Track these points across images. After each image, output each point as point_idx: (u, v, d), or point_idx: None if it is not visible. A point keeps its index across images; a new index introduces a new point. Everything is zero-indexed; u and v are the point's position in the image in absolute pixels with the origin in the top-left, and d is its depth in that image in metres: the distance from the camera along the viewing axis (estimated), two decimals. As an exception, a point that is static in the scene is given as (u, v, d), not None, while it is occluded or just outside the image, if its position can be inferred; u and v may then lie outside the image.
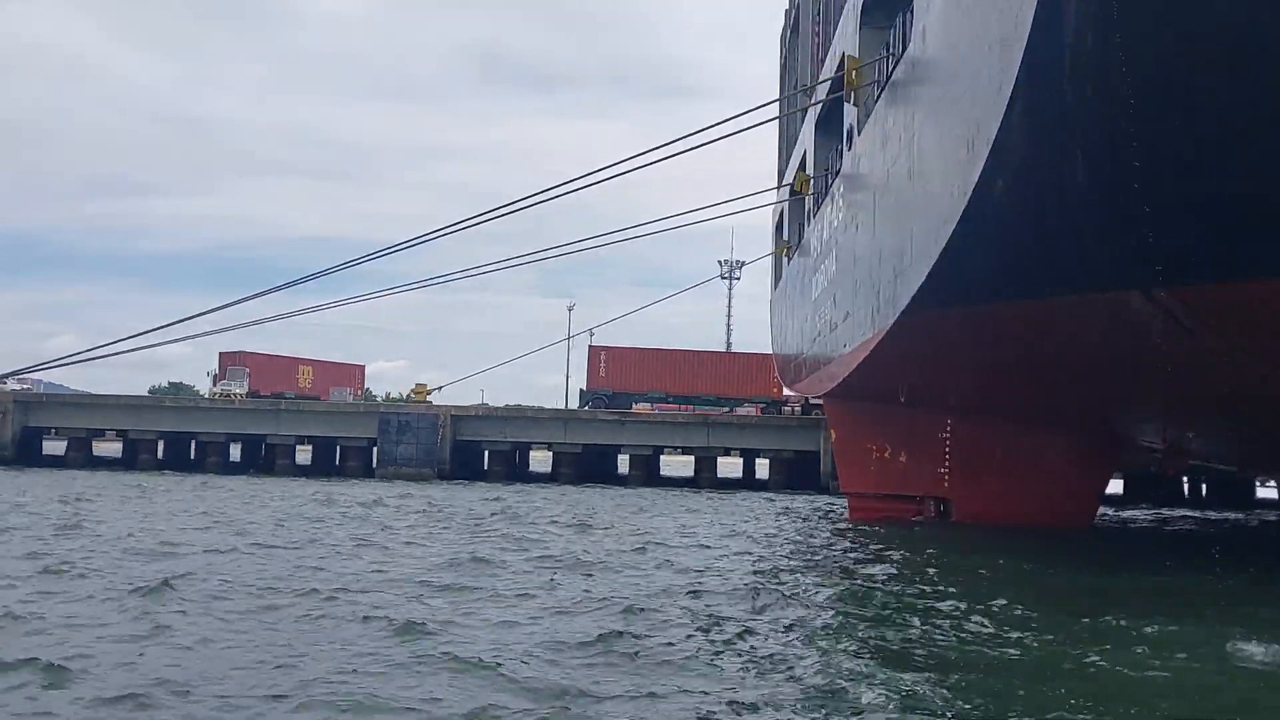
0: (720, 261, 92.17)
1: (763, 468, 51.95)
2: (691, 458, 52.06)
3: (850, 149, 23.96)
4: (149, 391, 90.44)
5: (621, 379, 57.67)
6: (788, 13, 48.51)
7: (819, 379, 29.68)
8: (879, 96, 20.64)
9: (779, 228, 44.57)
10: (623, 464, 54.75)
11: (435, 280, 27.10)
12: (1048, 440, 25.40)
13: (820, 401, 55.29)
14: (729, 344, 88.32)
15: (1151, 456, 29.54)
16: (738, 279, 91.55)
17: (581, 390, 59.61)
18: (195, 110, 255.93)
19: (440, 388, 51.62)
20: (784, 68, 48.87)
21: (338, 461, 55.71)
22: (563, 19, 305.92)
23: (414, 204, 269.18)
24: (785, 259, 39.53)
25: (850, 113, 24.13)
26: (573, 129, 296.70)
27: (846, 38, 23.89)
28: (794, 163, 39.41)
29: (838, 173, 26.63)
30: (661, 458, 53.60)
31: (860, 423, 27.43)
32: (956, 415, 25.87)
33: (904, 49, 18.58)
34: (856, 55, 22.32)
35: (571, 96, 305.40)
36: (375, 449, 51.21)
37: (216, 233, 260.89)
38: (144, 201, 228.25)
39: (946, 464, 26.48)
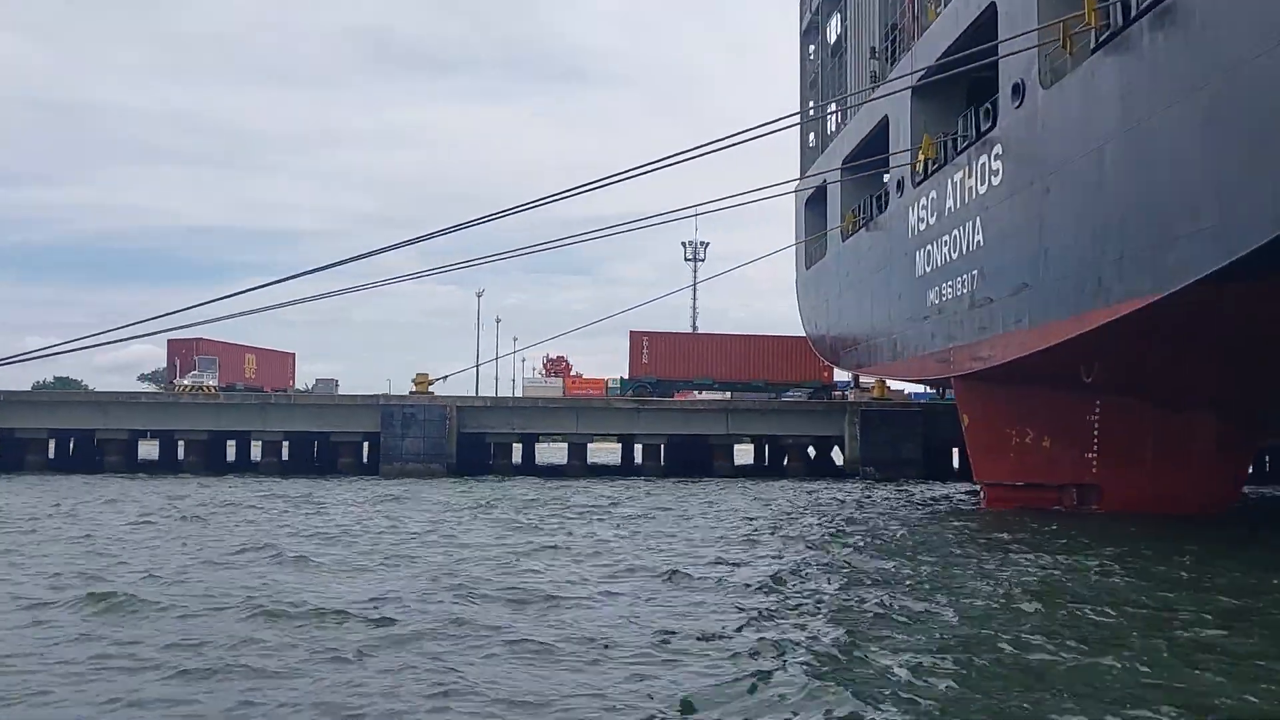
0: (685, 243, 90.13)
1: (786, 454, 49.84)
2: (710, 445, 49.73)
3: (1020, 105, 21.83)
4: (33, 387, 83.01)
5: (665, 366, 54.95)
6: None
7: (934, 360, 27.63)
8: (1097, 45, 18.53)
9: (814, 209, 42.68)
10: (637, 454, 52.39)
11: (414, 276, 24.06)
12: (1198, 421, 23.87)
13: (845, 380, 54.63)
14: (694, 326, 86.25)
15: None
16: (702, 260, 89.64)
17: (623, 378, 56.64)
18: (71, 96, 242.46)
19: (445, 377, 48.20)
20: (808, 48, 46.89)
21: (315, 458, 52.33)
22: (453, 1, 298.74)
23: (305, 191, 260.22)
24: (840, 237, 37.41)
25: (1015, 68, 22.00)
26: (469, 113, 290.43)
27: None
28: (843, 143, 37.38)
29: (977, 137, 24.57)
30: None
31: (999, 407, 25.51)
32: (1106, 397, 24.16)
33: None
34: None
35: (466, 81, 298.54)
36: (378, 443, 47.76)
37: (93, 223, 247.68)
38: (14, 192, 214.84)
39: (1095, 448, 24.76)
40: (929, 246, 27.84)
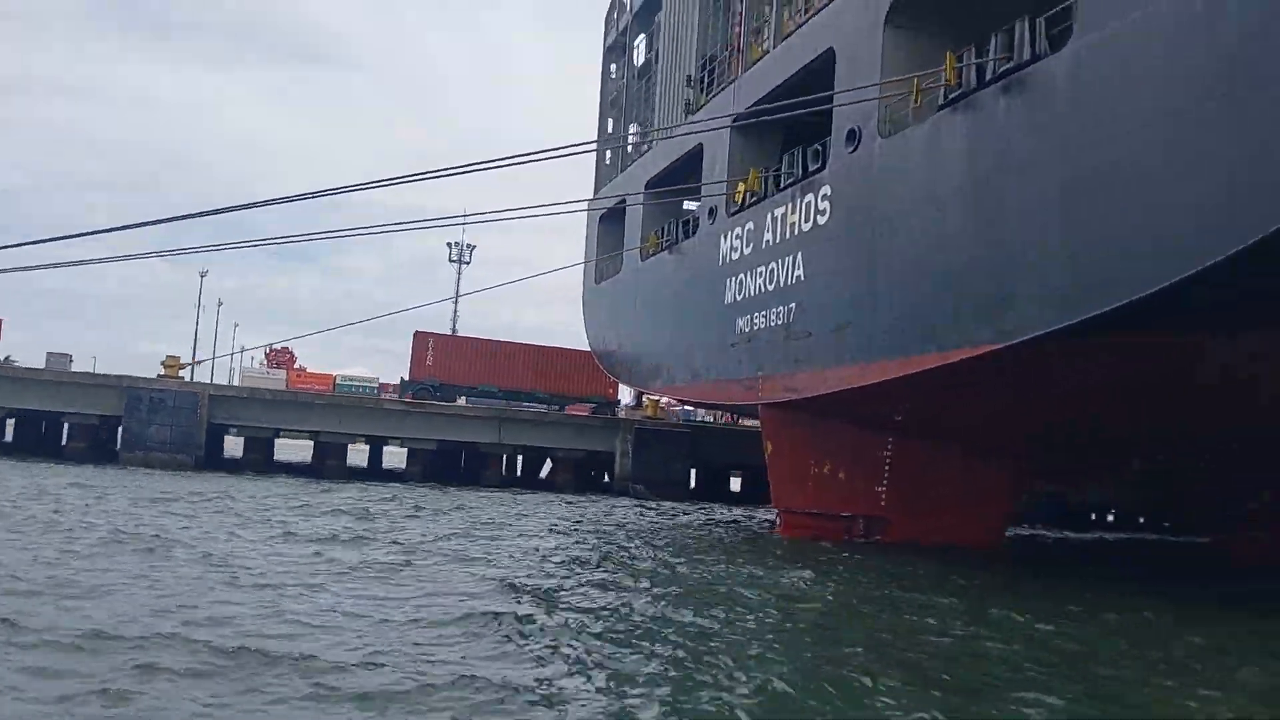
0: (450, 244, 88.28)
1: (558, 467, 49.58)
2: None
3: (855, 151, 22.73)
4: None
5: (450, 370, 52.95)
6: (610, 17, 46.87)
7: (740, 387, 28.25)
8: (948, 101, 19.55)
9: (609, 226, 42.92)
10: (398, 457, 50.60)
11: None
12: (982, 463, 25.65)
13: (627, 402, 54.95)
14: (454, 329, 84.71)
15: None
16: (467, 263, 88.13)
17: (403, 379, 54.06)
18: None
19: (197, 362, 44.62)
20: (610, 65, 47.16)
21: (41, 439, 47.34)
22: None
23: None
24: (639, 257, 37.71)
25: (850, 114, 22.89)
26: (191, 80, 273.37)
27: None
28: (649, 165, 37.81)
29: (804, 176, 25.40)
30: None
31: (803, 438, 26.35)
32: (900, 434, 25.53)
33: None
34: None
35: (190, 45, 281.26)
36: (117, 429, 43.75)
37: None
38: None
39: (885, 483, 26.08)
40: (741, 276, 28.46)
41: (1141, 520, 43.87)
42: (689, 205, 40.10)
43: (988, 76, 18.48)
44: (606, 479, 49.38)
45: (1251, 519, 26.39)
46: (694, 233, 33.82)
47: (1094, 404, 18.95)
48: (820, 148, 24.79)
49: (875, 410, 23.10)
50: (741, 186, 28.69)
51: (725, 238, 29.91)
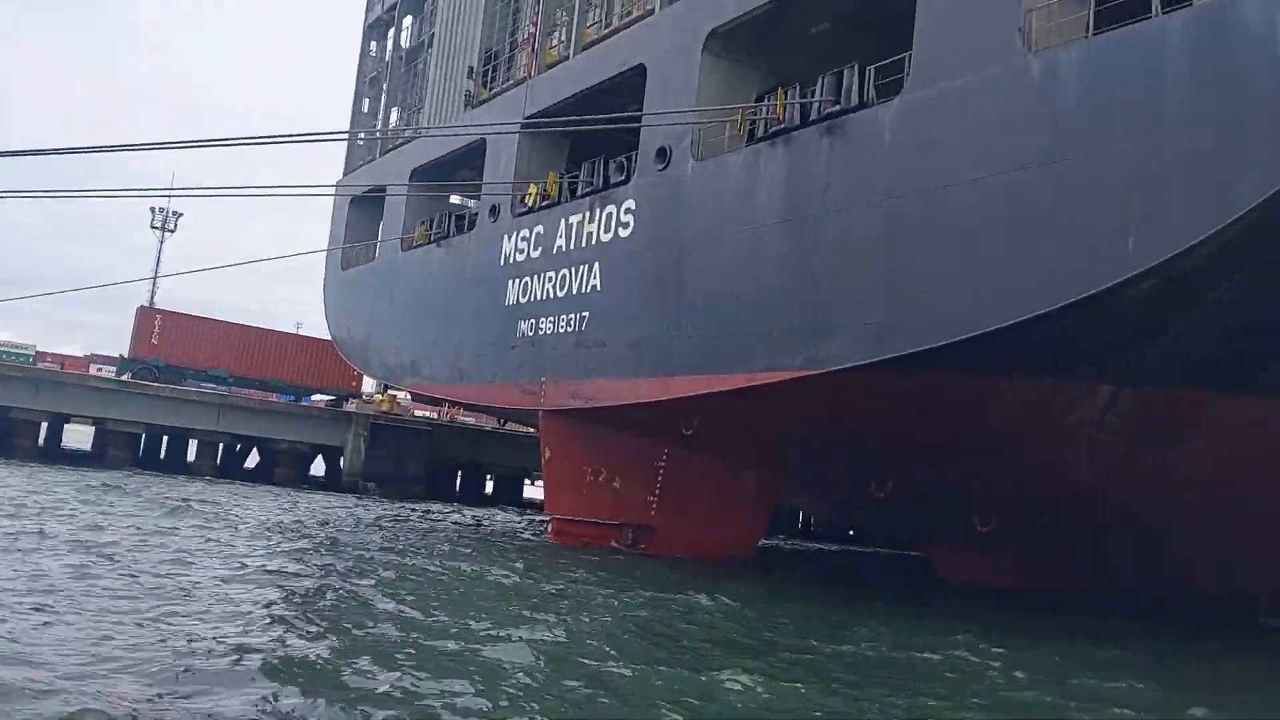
0: (153, 209, 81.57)
1: (280, 459, 46.91)
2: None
3: (665, 169, 23.25)
4: None
5: (179, 351, 48.15)
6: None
7: (518, 391, 28.05)
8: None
9: (362, 211, 41.43)
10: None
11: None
12: (744, 473, 26.82)
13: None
14: (152, 300, 78.39)
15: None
16: (171, 231, 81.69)
17: (122, 356, 48.56)
18: None
19: None
20: (371, 43, 45.43)
21: None
22: None
23: None
24: (399, 247, 36.56)
25: (659, 132, 23.42)
26: None
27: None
28: (416, 153, 36.87)
29: (605, 186, 25.67)
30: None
31: (583, 445, 26.49)
32: (676, 445, 26.21)
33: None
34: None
35: None
36: None
37: None
38: None
39: (657, 492, 26.76)
40: (526, 279, 28.28)
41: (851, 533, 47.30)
42: (455, 199, 39.46)
43: (812, 116, 19.47)
44: (332, 475, 47.43)
45: (963, 539, 28.98)
46: (470, 229, 33.25)
47: (882, 429, 20.36)
48: (625, 161, 25.10)
49: (669, 424, 23.62)
50: (533, 189, 28.52)
51: (509, 238, 29.59)
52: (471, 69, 34.55)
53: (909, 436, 19.91)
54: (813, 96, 19.57)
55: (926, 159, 16.97)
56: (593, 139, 27.47)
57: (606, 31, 27.96)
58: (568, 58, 29.34)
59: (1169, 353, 15.74)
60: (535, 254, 28.20)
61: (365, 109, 45.50)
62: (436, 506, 40.76)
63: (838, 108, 18.94)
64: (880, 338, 17.34)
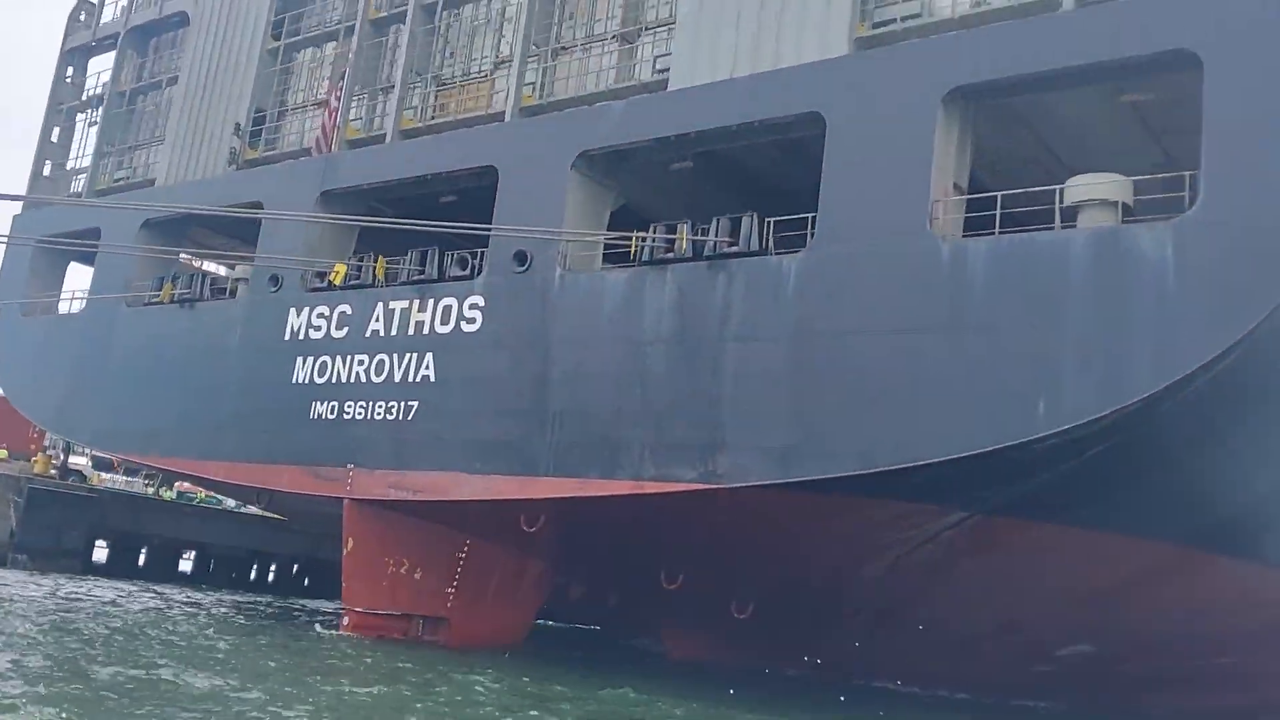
0: None
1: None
2: None
3: (526, 272, 24.22)
4: None
5: None
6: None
7: (310, 476, 26.99)
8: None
9: (53, 256, 37.38)
10: None
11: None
12: (530, 564, 27.94)
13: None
14: None
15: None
16: None
17: None
18: None
19: None
20: (69, 68, 41.30)
21: None
22: None
23: None
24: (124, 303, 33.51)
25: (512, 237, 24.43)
26: None
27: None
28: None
29: (440, 278, 25.97)
30: None
31: (387, 535, 26.04)
32: (476, 537, 26.80)
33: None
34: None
35: None
36: None
37: None
38: None
39: (455, 583, 27.08)
40: (325, 358, 27.41)
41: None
42: (183, 257, 36.75)
43: (706, 252, 21.61)
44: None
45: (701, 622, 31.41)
46: (229, 294, 31.48)
47: (744, 538, 22.53)
48: (471, 256, 25.59)
49: (508, 521, 24.09)
50: (341, 268, 27.90)
51: (297, 313, 28.51)
52: (239, 125, 32.96)
53: (767, 544, 22.26)
54: (705, 235, 21.71)
55: (831, 308, 19.67)
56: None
57: (434, 122, 28.41)
58: (383, 136, 29.30)
59: (1019, 490, 19.42)
60: (338, 334, 27.49)
61: (55, 139, 41.05)
62: (106, 584, 36.88)
63: (735, 249, 21.23)
64: (785, 460, 19.59)
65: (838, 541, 21.72)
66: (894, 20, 21.12)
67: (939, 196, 19.11)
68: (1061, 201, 18.42)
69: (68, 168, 40.94)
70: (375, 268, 27.11)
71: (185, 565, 44.02)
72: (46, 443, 45.25)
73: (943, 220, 19.09)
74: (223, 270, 34.48)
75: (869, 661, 26.37)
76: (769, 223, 21.12)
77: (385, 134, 29.04)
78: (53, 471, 43.42)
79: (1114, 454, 17.91)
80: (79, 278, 40.40)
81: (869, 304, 19.23)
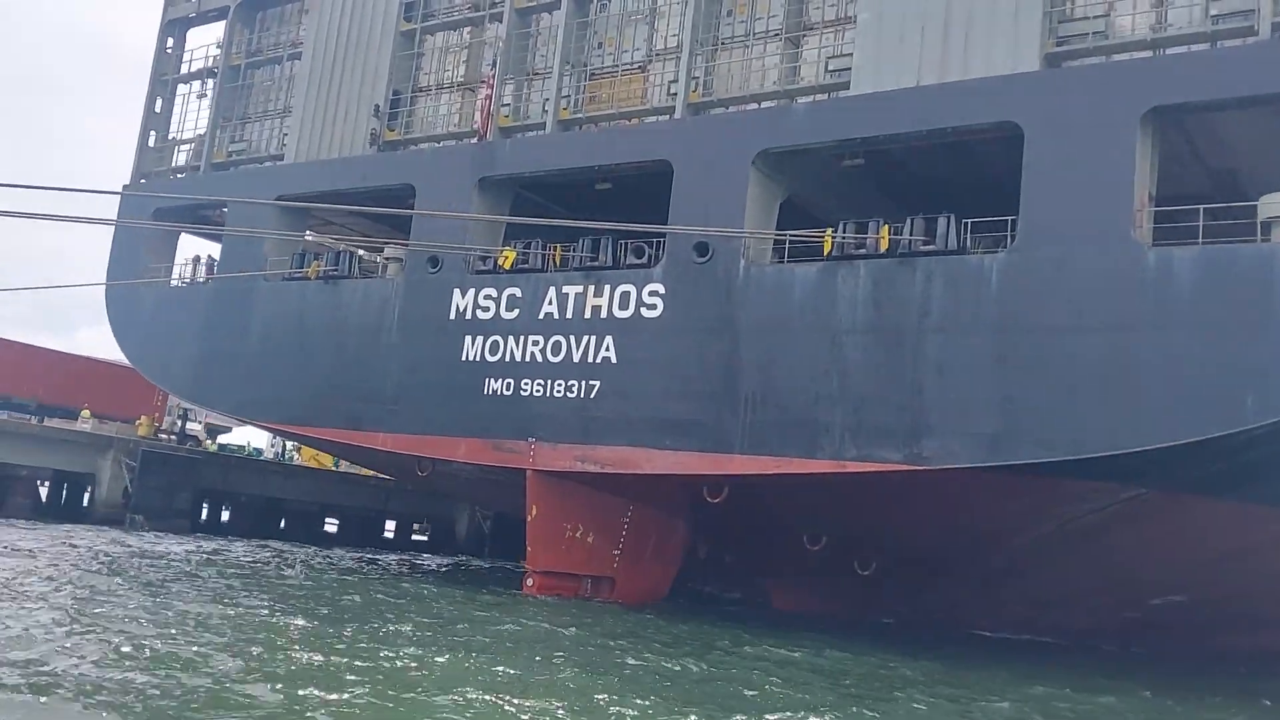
0: None
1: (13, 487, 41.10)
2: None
3: (708, 261, 25.92)
4: None
5: None
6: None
7: (490, 448, 28.68)
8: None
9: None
10: None
11: None
12: (677, 525, 29.95)
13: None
14: None
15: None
16: None
17: None
18: None
19: None
20: (168, 40, 41.87)
21: None
22: None
23: None
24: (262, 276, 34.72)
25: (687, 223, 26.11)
26: None
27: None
28: (290, 177, 35.57)
29: (614, 265, 27.60)
30: None
31: (565, 504, 27.92)
32: (639, 502, 28.76)
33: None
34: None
35: None
36: None
37: None
38: None
39: (620, 546, 29.10)
40: (497, 338, 29.01)
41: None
42: (310, 235, 38.00)
43: (901, 250, 23.48)
44: (72, 506, 42.46)
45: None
46: (382, 273, 32.94)
47: (924, 516, 24.67)
48: (647, 245, 27.21)
49: (691, 494, 26.03)
50: (510, 254, 29.43)
51: (462, 294, 30.02)
52: (378, 107, 34.10)
53: (942, 515, 24.41)
54: (902, 233, 23.57)
55: (1036, 305, 21.66)
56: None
57: (594, 114, 29.80)
58: (534, 125, 30.71)
59: (1206, 472, 21.68)
60: (509, 315, 29.08)
61: (159, 109, 41.78)
62: (240, 545, 38.58)
63: (932, 247, 23.13)
64: (996, 444, 21.68)
65: (1016, 514, 23.91)
66: (1084, 35, 22.89)
67: (1139, 206, 21.08)
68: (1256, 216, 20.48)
69: (169, 138, 41.85)
70: (553, 254, 28.62)
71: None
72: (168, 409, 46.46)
73: (1143, 228, 21.08)
74: (359, 250, 35.79)
75: (970, 611, 29.14)
76: (965, 224, 22.97)
77: (544, 123, 30.40)
78: (167, 436, 44.67)
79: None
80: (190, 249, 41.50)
81: (1076, 303, 21.24)
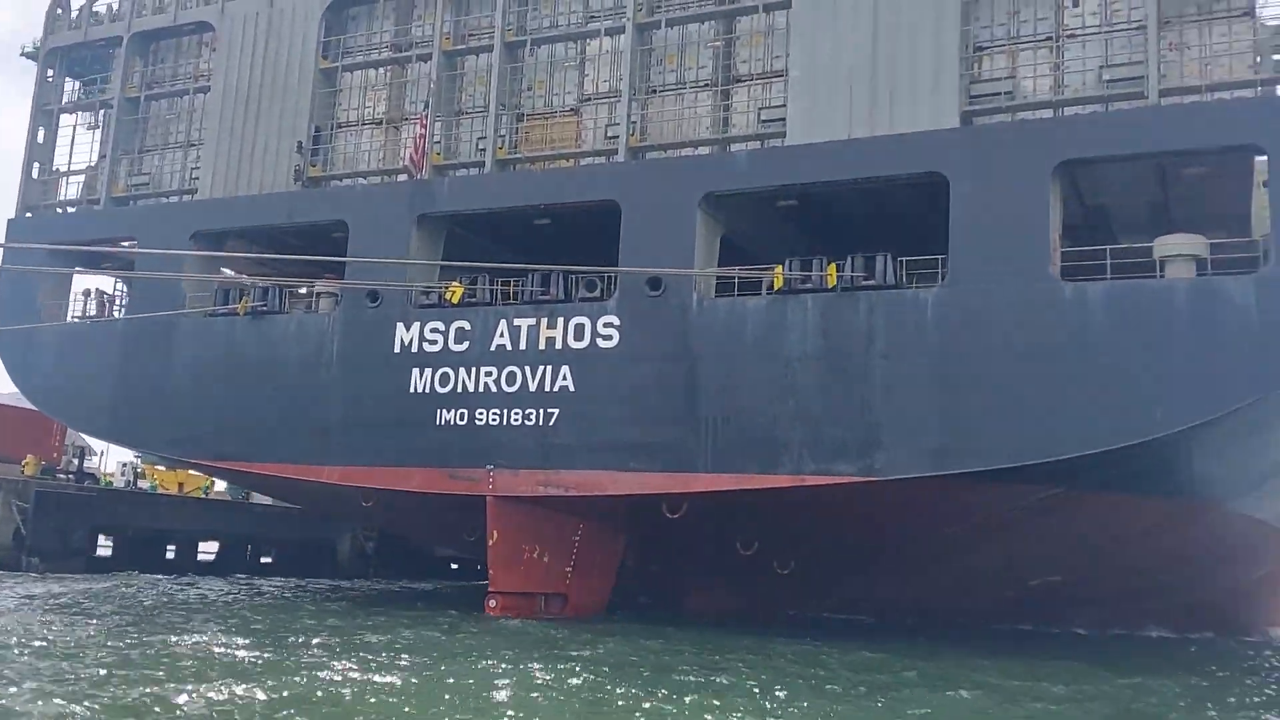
0: None
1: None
2: None
3: (661, 295, 28.02)
4: None
5: None
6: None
7: (443, 475, 29.79)
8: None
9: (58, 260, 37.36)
10: None
11: None
12: (620, 541, 31.94)
13: None
14: None
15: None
16: None
17: None
18: None
19: None
20: (48, 70, 40.65)
21: None
22: None
23: None
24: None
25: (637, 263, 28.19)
26: None
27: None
28: (184, 213, 35.53)
29: (565, 298, 29.30)
30: None
31: (524, 526, 29.37)
32: (590, 520, 30.56)
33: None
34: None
35: None
36: None
37: None
38: None
39: (572, 563, 30.84)
40: (447, 369, 30.15)
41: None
42: (228, 271, 37.71)
43: (843, 285, 26.23)
44: None
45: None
46: (313, 308, 33.42)
47: (874, 523, 27.43)
48: (599, 280, 29.03)
49: (650, 510, 27.95)
50: (458, 288, 30.63)
51: (408, 328, 30.98)
52: (300, 143, 34.52)
53: (882, 518, 27.23)
54: (844, 270, 26.31)
55: (969, 333, 24.79)
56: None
57: (531, 154, 31.36)
58: (467, 164, 32.04)
59: (1115, 472, 25.26)
60: (458, 347, 30.28)
61: (41, 139, 40.48)
62: (143, 579, 37.85)
63: (871, 282, 25.98)
64: (940, 456, 24.66)
65: (949, 514, 27.01)
66: (995, 95, 26.28)
67: (1054, 246, 24.51)
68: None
69: (54, 170, 40.64)
70: (501, 288, 30.01)
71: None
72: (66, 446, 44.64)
73: (1056, 265, 24.52)
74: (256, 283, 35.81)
75: (877, 602, 32.44)
76: (900, 261, 25.94)
77: (483, 162, 31.75)
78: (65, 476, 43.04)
79: (1189, 443, 24.00)
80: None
81: (1004, 330, 24.48)
